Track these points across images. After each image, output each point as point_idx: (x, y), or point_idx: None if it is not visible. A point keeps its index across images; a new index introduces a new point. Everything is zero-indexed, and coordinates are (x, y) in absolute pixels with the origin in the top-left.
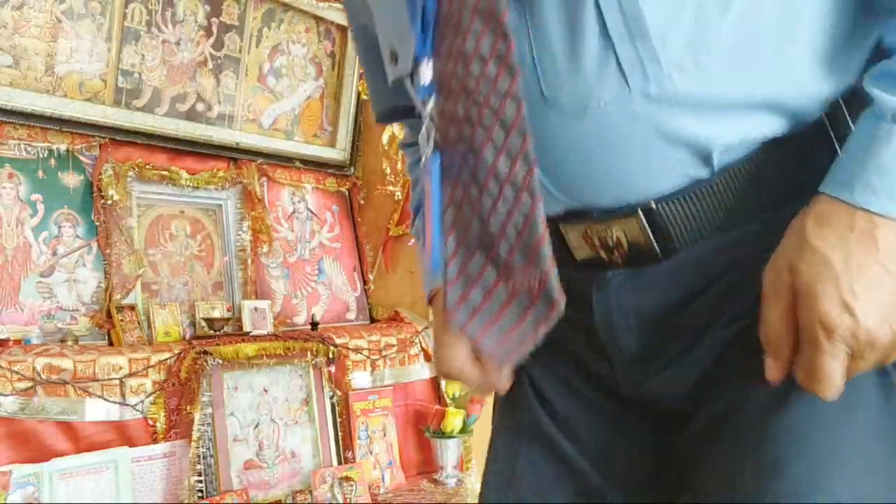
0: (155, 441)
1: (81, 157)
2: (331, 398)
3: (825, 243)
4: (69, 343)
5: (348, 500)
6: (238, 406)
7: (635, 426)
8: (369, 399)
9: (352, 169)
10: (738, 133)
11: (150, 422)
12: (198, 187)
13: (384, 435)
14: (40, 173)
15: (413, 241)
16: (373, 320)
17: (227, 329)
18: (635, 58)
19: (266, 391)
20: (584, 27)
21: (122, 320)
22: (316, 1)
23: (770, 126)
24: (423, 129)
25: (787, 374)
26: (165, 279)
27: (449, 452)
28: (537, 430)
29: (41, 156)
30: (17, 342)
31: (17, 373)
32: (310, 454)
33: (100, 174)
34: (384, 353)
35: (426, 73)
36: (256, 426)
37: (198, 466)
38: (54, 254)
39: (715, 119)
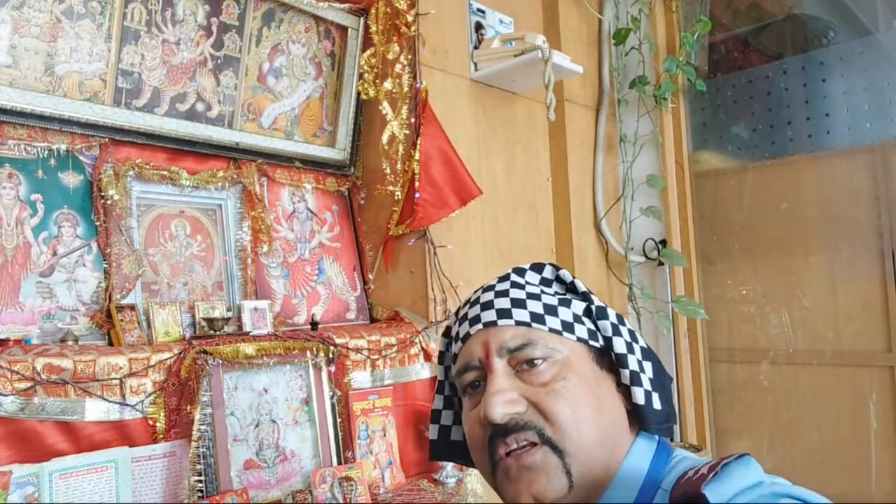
0: (155, 441)
1: (81, 157)
2: (331, 398)
3: None
4: (69, 343)
5: (348, 500)
6: (238, 406)
7: None
8: (369, 399)
9: (352, 169)
10: None
11: (150, 422)
12: (198, 187)
13: (384, 435)
14: (40, 173)
15: (413, 240)
16: (373, 320)
17: (227, 329)
18: None
19: (266, 391)
20: None
21: (122, 320)
22: (316, 1)
23: None
24: None
25: None
26: (165, 279)
27: None
28: None
29: (41, 156)
30: (17, 342)
31: (16, 373)
32: (310, 454)
33: (100, 174)
34: (384, 352)
35: None
36: (256, 426)
37: (198, 466)
38: (54, 254)
39: None
